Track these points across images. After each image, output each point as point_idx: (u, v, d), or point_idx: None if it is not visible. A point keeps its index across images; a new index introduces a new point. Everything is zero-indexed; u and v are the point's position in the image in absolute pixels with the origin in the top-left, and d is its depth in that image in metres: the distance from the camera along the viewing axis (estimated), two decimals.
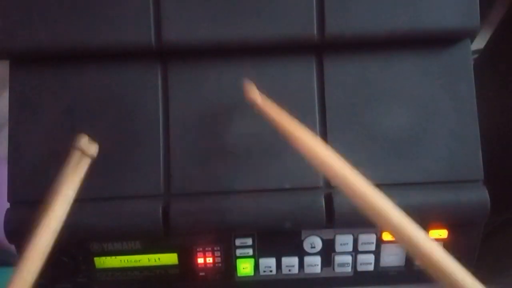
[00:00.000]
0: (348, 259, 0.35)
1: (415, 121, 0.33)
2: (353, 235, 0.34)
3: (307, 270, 0.35)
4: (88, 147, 0.29)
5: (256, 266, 0.35)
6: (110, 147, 0.33)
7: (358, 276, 0.36)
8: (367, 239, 0.34)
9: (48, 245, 0.26)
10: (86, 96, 0.33)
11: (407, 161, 0.33)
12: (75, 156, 0.29)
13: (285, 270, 0.35)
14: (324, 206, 0.32)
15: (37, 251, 0.25)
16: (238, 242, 0.34)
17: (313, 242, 0.34)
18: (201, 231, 0.33)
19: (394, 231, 0.24)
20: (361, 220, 0.33)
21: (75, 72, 0.33)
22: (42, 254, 0.25)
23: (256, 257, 0.35)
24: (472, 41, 0.34)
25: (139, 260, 0.35)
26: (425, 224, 0.34)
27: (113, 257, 0.34)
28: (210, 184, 0.33)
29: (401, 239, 0.23)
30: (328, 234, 0.34)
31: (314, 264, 0.35)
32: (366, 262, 0.35)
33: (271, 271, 0.35)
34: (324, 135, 0.33)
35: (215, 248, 0.34)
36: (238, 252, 0.35)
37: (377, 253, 0.35)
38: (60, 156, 0.33)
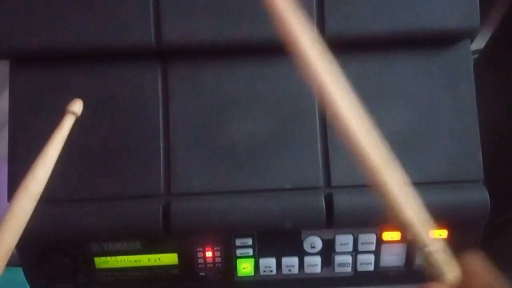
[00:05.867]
0: (348, 259, 0.35)
1: (415, 121, 0.33)
2: (353, 235, 0.34)
3: (307, 270, 0.35)
4: (79, 109, 0.29)
5: (256, 266, 0.35)
6: (111, 147, 0.33)
7: (358, 276, 0.36)
8: (367, 239, 0.34)
9: (28, 209, 0.24)
10: (86, 96, 0.33)
11: (407, 161, 0.33)
12: (67, 120, 0.28)
13: (285, 270, 0.35)
14: (324, 206, 0.32)
15: (17, 216, 0.24)
16: (238, 242, 0.34)
17: (313, 242, 0.34)
18: (201, 231, 0.33)
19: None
20: (361, 220, 0.33)
21: (75, 72, 0.33)
22: (21, 219, 0.24)
23: (256, 257, 0.35)
24: (472, 41, 0.34)
25: (139, 260, 0.35)
26: None
27: (113, 257, 0.34)
28: (210, 184, 0.33)
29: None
30: (328, 234, 0.34)
31: (314, 264, 0.35)
32: (366, 262, 0.35)
33: (271, 271, 0.35)
34: (325, 135, 0.33)
35: (215, 248, 0.34)
36: (238, 252, 0.35)
37: (377, 253, 0.35)
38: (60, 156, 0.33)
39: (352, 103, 0.24)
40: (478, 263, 0.22)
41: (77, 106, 0.29)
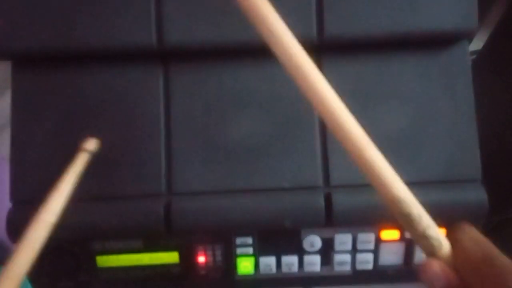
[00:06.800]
0: (347, 258, 0.35)
1: (413, 121, 0.33)
2: (352, 234, 0.35)
3: (307, 268, 0.36)
4: (94, 146, 0.30)
5: (256, 265, 0.35)
6: (112, 147, 0.33)
7: (357, 274, 0.36)
8: (366, 238, 0.35)
9: (41, 238, 0.26)
10: (87, 96, 0.33)
11: (406, 161, 0.33)
12: (81, 156, 0.30)
13: (285, 269, 0.35)
14: (323, 205, 0.32)
15: (30, 244, 0.25)
16: (238, 241, 0.35)
17: (313, 241, 0.35)
18: (202, 229, 0.34)
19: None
20: (360, 219, 0.33)
21: (77, 73, 0.34)
22: (34, 247, 0.25)
23: (256, 255, 0.35)
24: (470, 42, 0.34)
25: (141, 259, 0.35)
26: None
27: (115, 256, 0.35)
28: (211, 184, 0.33)
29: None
30: (327, 233, 0.35)
31: (313, 262, 0.35)
32: (365, 261, 0.35)
33: (271, 269, 0.35)
34: (324, 135, 0.33)
35: (216, 247, 0.35)
36: (239, 250, 0.35)
37: (376, 252, 0.35)
38: (62, 156, 0.33)
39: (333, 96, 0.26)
40: (468, 233, 0.22)
41: (91, 145, 0.30)
